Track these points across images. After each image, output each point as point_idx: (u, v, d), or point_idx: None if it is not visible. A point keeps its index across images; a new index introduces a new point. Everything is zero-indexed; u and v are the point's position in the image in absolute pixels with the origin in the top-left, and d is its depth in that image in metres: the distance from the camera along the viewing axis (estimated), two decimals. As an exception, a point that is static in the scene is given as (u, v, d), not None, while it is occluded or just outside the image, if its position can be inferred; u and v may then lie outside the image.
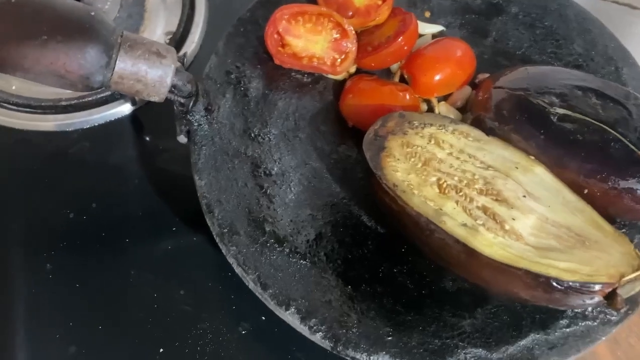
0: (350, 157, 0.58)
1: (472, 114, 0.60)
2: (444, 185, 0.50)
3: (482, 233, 0.47)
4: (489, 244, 0.47)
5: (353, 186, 0.56)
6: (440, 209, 0.49)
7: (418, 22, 0.63)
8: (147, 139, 0.67)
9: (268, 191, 0.54)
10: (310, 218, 0.54)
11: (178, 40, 0.71)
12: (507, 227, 0.48)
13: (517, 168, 0.52)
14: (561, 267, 0.45)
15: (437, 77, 0.60)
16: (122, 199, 0.63)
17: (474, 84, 0.62)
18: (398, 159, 0.52)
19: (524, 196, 0.50)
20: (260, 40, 0.60)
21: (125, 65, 0.47)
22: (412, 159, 0.52)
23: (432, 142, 0.53)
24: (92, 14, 0.46)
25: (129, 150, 0.66)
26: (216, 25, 0.73)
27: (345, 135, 0.59)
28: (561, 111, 0.54)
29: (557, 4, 0.64)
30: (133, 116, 0.67)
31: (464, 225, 0.48)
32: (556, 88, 0.55)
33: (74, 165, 0.64)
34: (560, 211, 0.50)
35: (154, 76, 0.48)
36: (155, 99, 0.50)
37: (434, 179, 0.51)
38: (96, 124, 0.66)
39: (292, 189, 0.55)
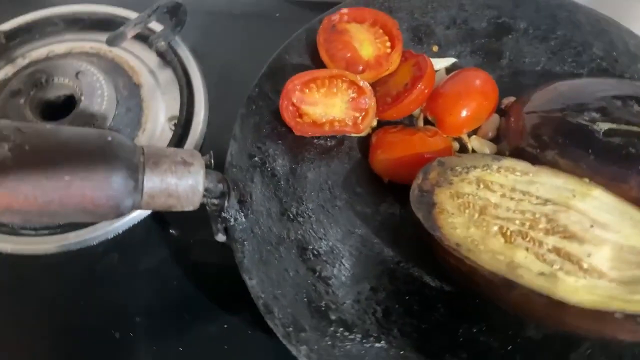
0: (395, 215, 0.56)
1: (508, 143, 0.57)
2: (508, 232, 0.48)
3: (562, 279, 0.45)
4: (573, 289, 0.44)
5: (405, 246, 0.54)
6: (512, 261, 0.46)
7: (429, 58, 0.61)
8: (175, 233, 0.64)
9: (322, 274, 0.51)
10: (372, 293, 0.51)
11: (184, 123, 0.68)
12: (585, 265, 0.45)
13: (574, 196, 0.49)
14: (657, 301, 0.42)
15: (464, 113, 0.57)
16: (165, 304, 0.59)
17: (500, 111, 0.60)
18: (452, 214, 0.49)
19: (592, 226, 0.47)
20: (275, 115, 0.57)
21: (153, 183, 0.44)
22: (467, 210, 0.49)
23: (481, 186, 0.51)
24: (109, 139, 0.43)
25: (159, 251, 0.62)
26: (219, 100, 0.71)
27: (383, 192, 0.57)
28: (605, 126, 0.52)
29: (566, 10, 0.62)
30: (155, 214, 0.64)
31: (542, 274, 0.45)
32: (593, 102, 0.53)
33: (107, 281, 0.60)
34: (633, 235, 0.47)
35: (186, 187, 0.45)
36: (190, 208, 0.47)
37: (495, 228, 0.48)
38: (120, 231, 0.63)
39: (345, 264, 0.52)
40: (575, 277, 0.44)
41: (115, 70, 0.71)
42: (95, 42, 0.75)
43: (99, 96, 0.67)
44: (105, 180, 0.42)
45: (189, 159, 0.46)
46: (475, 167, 0.52)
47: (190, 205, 0.47)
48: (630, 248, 0.46)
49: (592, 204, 0.49)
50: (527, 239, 0.47)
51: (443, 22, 0.63)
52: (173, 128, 0.69)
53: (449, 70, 0.62)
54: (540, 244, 0.47)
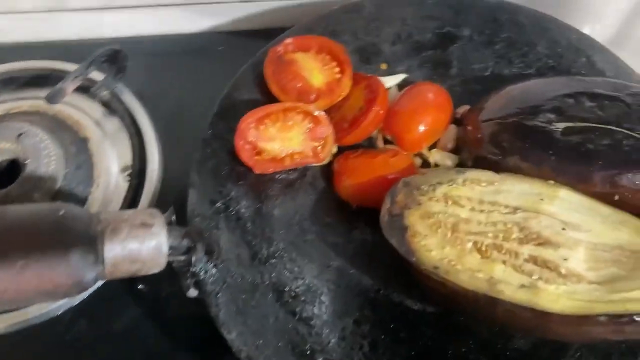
0: (367, 241, 0.55)
1: (469, 153, 0.57)
2: (483, 247, 0.47)
3: (543, 288, 0.44)
4: (555, 298, 0.44)
5: (383, 272, 0.53)
6: (492, 277, 0.45)
7: (379, 77, 0.60)
8: (144, 289, 0.61)
9: (303, 315, 0.50)
10: (356, 327, 0.49)
11: (138, 173, 0.65)
12: (563, 270, 0.45)
13: (542, 200, 0.49)
14: (637, 297, 0.43)
15: (421, 129, 0.57)
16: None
17: (456, 120, 0.60)
18: (425, 235, 0.48)
19: (563, 228, 0.47)
20: (232, 155, 0.56)
21: (115, 252, 0.42)
22: (439, 229, 0.49)
23: (450, 202, 0.50)
24: (62, 213, 0.41)
25: (130, 310, 0.59)
26: (171, 143, 0.68)
27: (354, 218, 0.56)
28: (562, 125, 0.52)
29: (507, 12, 0.63)
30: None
31: (522, 286, 0.45)
32: (546, 103, 0.53)
33: (78, 351, 0.57)
34: (603, 231, 0.47)
35: (149, 250, 0.43)
36: (156, 270, 0.45)
37: (469, 244, 0.48)
38: (86, 295, 0.60)
39: (325, 301, 0.51)
40: (555, 285, 0.44)
41: (59, 127, 0.68)
42: (33, 100, 0.71)
43: (45, 157, 0.64)
44: (62, 259, 0.40)
45: (149, 220, 0.44)
46: (440, 184, 0.51)
47: (156, 267, 0.45)
48: (603, 245, 0.47)
49: (560, 206, 0.49)
50: (503, 251, 0.47)
51: (388, 39, 0.63)
52: (128, 179, 0.66)
53: (400, 86, 0.61)
54: (517, 254, 0.46)
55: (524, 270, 0.45)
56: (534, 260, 0.46)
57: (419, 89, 0.59)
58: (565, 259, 0.46)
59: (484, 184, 0.51)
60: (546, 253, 0.46)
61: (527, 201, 0.49)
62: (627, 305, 0.42)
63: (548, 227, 0.47)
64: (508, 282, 0.45)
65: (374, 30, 0.63)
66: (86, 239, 0.41)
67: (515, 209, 0.49)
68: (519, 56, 0.61)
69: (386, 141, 0.59)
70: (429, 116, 0.57)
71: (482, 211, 0.49)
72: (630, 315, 0.41)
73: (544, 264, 0.46)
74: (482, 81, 0.61)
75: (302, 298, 0.50)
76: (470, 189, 0.51)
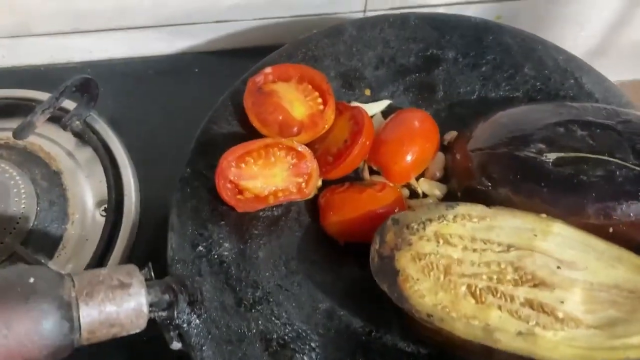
0: (356, 278, 0.53)
1: (458, 184, 0.55)
2: (477, 291, 0.46)
3: (540, 335, 0.43)
4: (553, 345, 0.42)
5: (373, 312, 0.51)
6: (488, 325, 0.44)
7: (361, 104, 0.58)
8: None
9: (293, 364, 0.47)
10: (350, 374, 0.48)
11: (114, 208, 0.62)
12: (560, 315, 0.44)
13: (535, 235, 0.48)
14: (638, 344, 0.41)
15: (409, 159, 0.55)
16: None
17: (443, 147, 0.58)
18: (417, 279, 0.47)
19: (558, 267, 0.46)
20: (213, 193, 0.53)
21: (91, 318, 0.40)
22: (432, 272, 0.47)
23: (441, 242, 0.48)
24: (31, 280, 0.38)
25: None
26: (148, 174, 0.66)
27: (342, 255, 0.54)
28: (553, 156, 0.51)
29: (491, 33, 0.61)
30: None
31: (520, 334, 0.43)
32: (536, 132, 0.52)
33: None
34: (599, 269, 0.46)
35: (128, 312, 0.41)
36: (136, 331, 0.43)
37: (463, 288, 0.46)
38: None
39: (315, 348, 0.49)
40: (553, 331, 0.43)
41: (30, 161, 0.65)
42: (1, 132, 0.68)
43: (16, 195, 0.61)
44: (34, 330, 0.37)
45: (126, 279, 0.42)
46: (431, 221, 0.49)
47: (136, 328, 0.42)
48: (599, 285, 0.46)
49: (554, 241, 0.47)
50: (498, 295, 0.45)
51: (371, 63, 0.61)
52: (104, 214, 0.63)
53: (385, 113, 0.59)
54: (512, 298, 0.45)
55: (520, 316, 0.44)
56: (530, 303, 0.44)
57: (404, 117, 0.57)
58: (562, 302, 0.44)
59: (475, 220, 0.49)
60: (542, 295, 0.45)
61: (521, 238, 0.48)
62: (628, 352, 0.41)
63: (543, 267, 0.46)
64: (504, 330, 0.43)
65: (356, 54, 0.61)
66: (59, 306, 0.39)
67: (509, 247, 0.47)
68: (506, 79, 0.60)
69: (372, 171, 0.57)
70: (416, 146, 0.55)
71: (474, 250, 0.48)
72: (632, 363, 0.40)
73: (540, 308, 0.44)
74: (468, 105, 0.60)
75: (292, 346, 0.48)
76: (462, 226, 0.49)
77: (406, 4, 0.67)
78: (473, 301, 0.45)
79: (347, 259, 0.54)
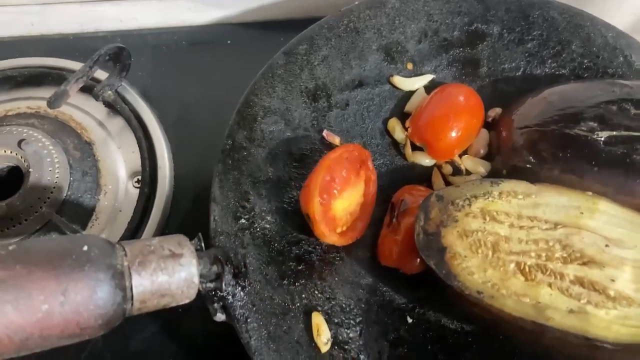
0: (397, 255, 0.52)
1: (503, 162, 0.54)
2: (526, 268, 0.45)
3: (593, 314, 0.43)
4: (606, 324, 0.42)
5: (415, 287, 0.50)
6: (539, 302, 0.43)
7: (405, 78, 0.57)
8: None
9: (337, 339, 0.47)
10: (393, 350, 0.47)
11: (149, 180, 0.62)
12: (612, 293, 0.43)
13: (582, 213, 0.47)
14: (694, 324, 0.41)
15: (453, 135, 0.54)
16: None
17: (487, 124, 0.57)
18: (465, 256, 0.46)
19: (607, 245, 0.45)
20: (255, 166, 0.52)
21: (144, 287, 0.39)
22: (480, 250, 0.46)
23: (488, 218, 0.48)
24: (85, 249, 0.38)
25: (147, 326, 0.57)
26: (181, 145, 0.65)
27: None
28: (604, 134, 0.50)
29: (538, 8, 0.59)
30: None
31: (571, 311, 0.43)
32: (588, 111, 0.51)
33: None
34: (650, 249, 0.45)
35: (179, 282, 0.40)
36: (186, 301, 0.42)
37: (512, 265, 0.45)
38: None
39: (358, 322, 0.48)
40: (605, 309, 0.42)
41: (61, 130, 0.64)
42: (32, 100, 0.67)
43: (49, 165, 0.60)
44: (89, 300, 0.37)
45: (178, 250, 0.41)
46: (476, 197, 0.49)
47: (187, 299, 0.42)
48: (650, 264, 0.45)
49: (601, 219, 0.47)
50: (547, 272, 0.45)
51: (414, 36, 0.59)
52: (137, 185, 0.63)
53: (427, 88, 0.58)
54: (562, 276, 0.44)
55: (571, 294, 0.43)
56: (580, 281, 0.44)
57: (448, 92, 0.56)
58: (612, 280, 0.44)
59: (520, 197, 0.48)
60: (592, 274, 0.44)
61: (567, 215, 0.47)
62: (683, 332, 0.40)
63: (591, 245, 0.45)
64: (556, 308, 0.43)
65: (398, 26, 0.59)
66: (113, 276, 0.38)
67: (556, 225, 0.47)
68: (552, 55, 0.58)
69: (414, 147, 0.56)
70: (460, 121, 0.54)
71: (521, 227, 0.47)
72: (688, 343, 0.40)
73: (591, 286, 0.44)
74: (513, 81, 0.58)
75: (336, 320, 0.48)
76: (507, 203, 0.48)
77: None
78: (522, 279, 0.45)
79: (387, 235, 0.53)
